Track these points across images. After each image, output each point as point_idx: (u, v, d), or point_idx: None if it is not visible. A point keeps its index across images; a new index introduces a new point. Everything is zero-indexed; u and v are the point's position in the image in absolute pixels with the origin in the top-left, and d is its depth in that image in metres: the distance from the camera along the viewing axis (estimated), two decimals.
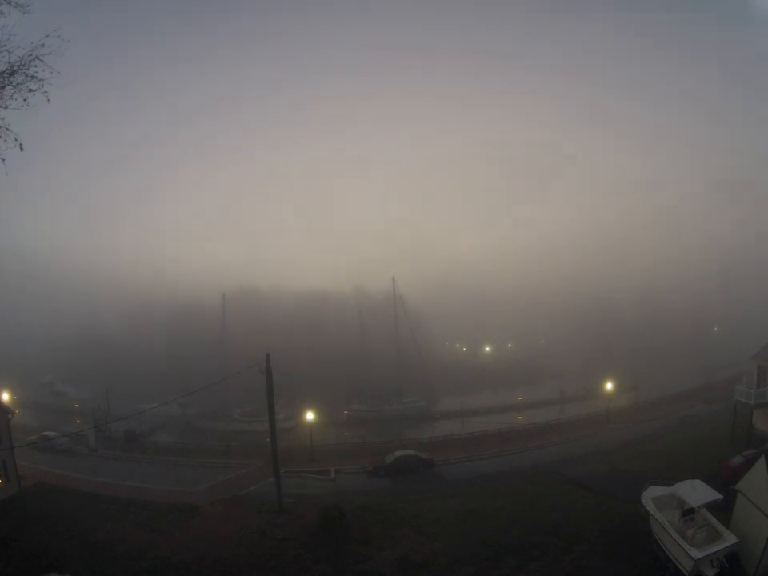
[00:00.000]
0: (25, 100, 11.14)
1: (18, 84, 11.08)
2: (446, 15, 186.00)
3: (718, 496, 15.93)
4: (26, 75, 11.04)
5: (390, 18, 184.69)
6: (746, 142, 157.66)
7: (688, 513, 16.19)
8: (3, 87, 11.08)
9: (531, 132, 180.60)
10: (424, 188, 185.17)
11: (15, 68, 11.00)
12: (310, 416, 34.86)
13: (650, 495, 17.70)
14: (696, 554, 14.22)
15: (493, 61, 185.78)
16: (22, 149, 11.26)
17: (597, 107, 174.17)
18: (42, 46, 10.89)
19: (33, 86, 11.11)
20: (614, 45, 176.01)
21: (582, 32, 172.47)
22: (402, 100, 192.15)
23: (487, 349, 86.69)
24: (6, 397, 41.08)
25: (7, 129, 11.16)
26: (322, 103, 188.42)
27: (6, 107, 11.16)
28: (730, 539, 14.88)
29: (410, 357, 57.57)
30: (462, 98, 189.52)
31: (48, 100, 11.26)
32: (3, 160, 11.27)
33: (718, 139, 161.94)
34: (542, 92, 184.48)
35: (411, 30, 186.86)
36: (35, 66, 10.96)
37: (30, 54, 10.91)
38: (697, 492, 16.21)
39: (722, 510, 16.30)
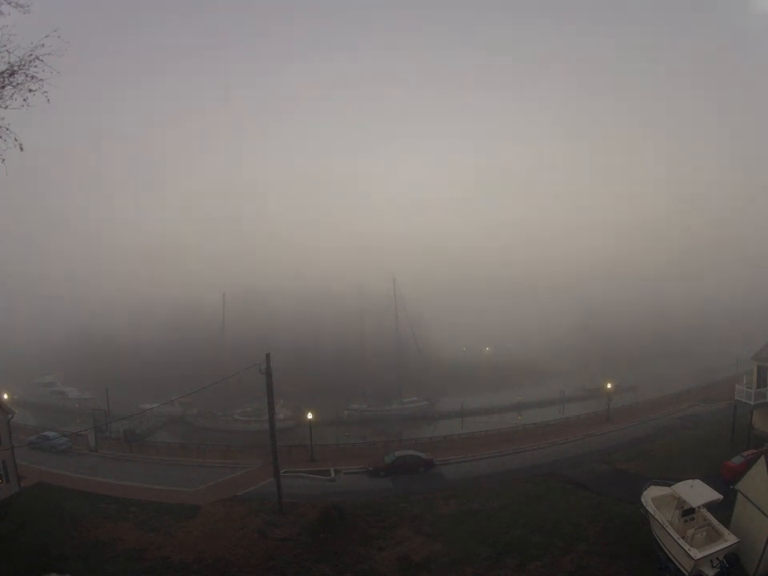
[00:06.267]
0: (25, 100, 11.13)
1: (17, 84, 11.08)
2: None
3: (717, 496, 15.94)
4: (26, 75, 11.04)
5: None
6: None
7: (688, 513, 16.21)
8: (3, 87, 11.07)
9: (530, 139, 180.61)
10: (425, 189, 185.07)
11: (15, 68, 10.99)
12: (309, 416, 34.85)
13: (650, 495, 17.73)
14: (696, 554, 14.23)
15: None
16: (21, 149, 11.25)
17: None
18: (42, 46, 10.89)
19: (33, 86, 11.11)
20: None
21: None
22: (403, 101, 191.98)
23: (487, 349, 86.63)
24: (5, 397, 41.16)
25: (7, 129, 11.17)
26: (320, 106, 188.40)
27: (6, 107, 11.16)
28: (730, 539, 14.90)
29: (410, 357, 57.57)
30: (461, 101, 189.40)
31: (48, 100, 11.26)
32: (3, 160, 11.27)
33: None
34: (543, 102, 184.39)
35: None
36: (35, 66, 10.96)
37: (30, 54, 10.91)
38: (697, 492, 16.23)
39: (722, 509, 16.32)
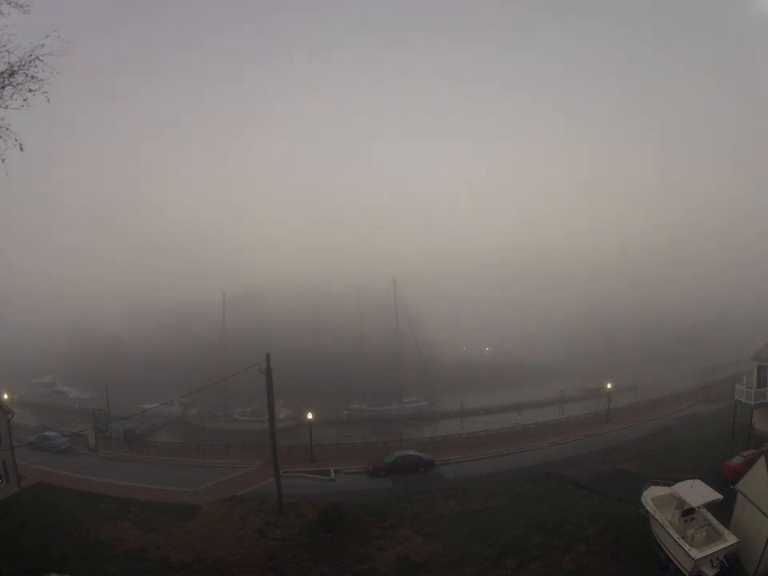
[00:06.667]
0: (25, 100, 11.12)
1: (17, 84, 11.07)
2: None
3: (717, 496, 15.95)
4: (26, 75, 11.03)
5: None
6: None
7: (688, 513, 16.21)
8: (3, 87, 11.06)
9: (535, 140, 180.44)
10: (426, 190, 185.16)
11: (15, 68, 10.98)
12: (309, 416, 34.85)
13: (650, 495, 17.74)
14: (696, 554, 14.24)
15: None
16: (21, 149, 11.25)
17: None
18: (42, 46, 10.88)
19: (33, 86, 11.10)
20: None
21: None
22: (404, 101, 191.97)
23: (487, 349, 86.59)
24: (5, 397, 41.15)
25: (7, 129, 11.17)
26: (319, 106, 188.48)
27: (6, 107, 11.15)
28: (730, 539, 14.90)
29: (410, 357, 57.58)
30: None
31: (48, 100, 11.26)
32: (3, 160, 11.26)
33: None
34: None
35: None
36: (35, 66, 10.96)
37: (30, 54, 10.90)
38: (697, 492, 16.24)
39: (722, 509, 16.32)
